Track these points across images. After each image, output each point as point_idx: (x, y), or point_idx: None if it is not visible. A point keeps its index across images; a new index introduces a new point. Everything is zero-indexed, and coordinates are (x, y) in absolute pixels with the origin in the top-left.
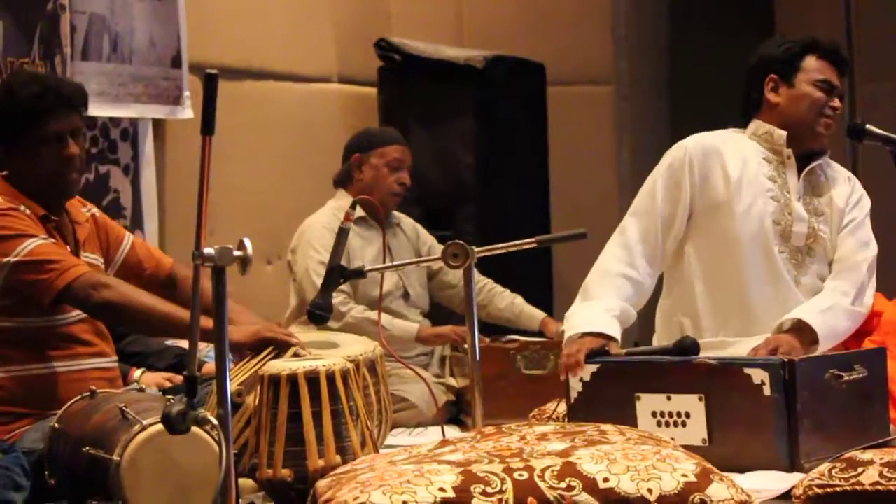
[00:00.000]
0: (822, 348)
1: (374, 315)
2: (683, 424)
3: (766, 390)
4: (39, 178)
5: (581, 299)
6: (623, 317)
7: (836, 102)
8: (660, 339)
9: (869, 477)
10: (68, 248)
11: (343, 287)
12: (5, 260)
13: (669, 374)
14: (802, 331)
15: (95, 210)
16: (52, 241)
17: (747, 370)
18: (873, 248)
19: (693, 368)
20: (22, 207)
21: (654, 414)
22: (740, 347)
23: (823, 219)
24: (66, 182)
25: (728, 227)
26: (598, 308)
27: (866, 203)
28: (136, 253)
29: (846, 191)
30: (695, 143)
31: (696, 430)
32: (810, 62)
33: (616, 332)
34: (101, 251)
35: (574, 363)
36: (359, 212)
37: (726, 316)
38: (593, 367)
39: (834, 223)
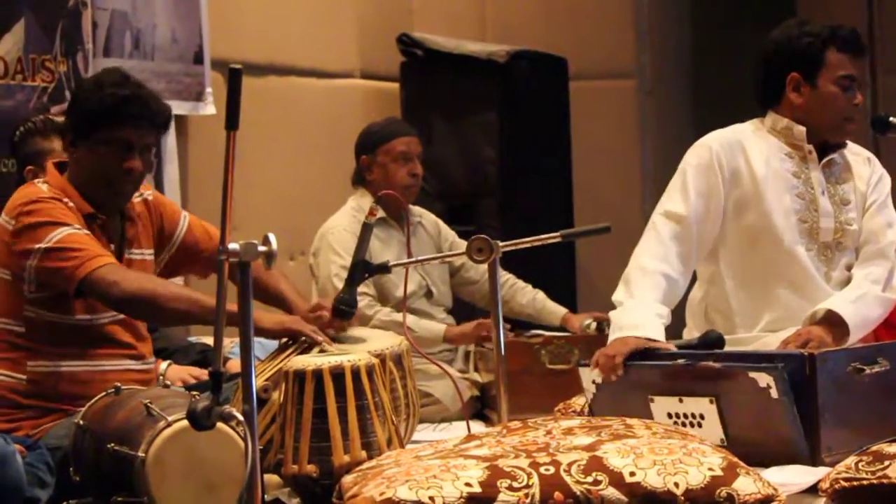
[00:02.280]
0: (854, 338)
1: (400, 317)
2: (700, 425)
3: (774, 393)
4: (93, 178)
5: (625, 293)
6: (666, 321)
7: (859, 98)
8: (690, 333)
9: None
10: (111, 248)
11: (368, 290)
12: (36, 247)
13: (678, 376)
14: (833, 322)
15: (149, 194)
16: (84, 231)
17: (752, 374)
18: None
19: (699, 371)
20: (65, 200)
21: (669, 415)
22: (773, 340)
23: (851, 206)
24: (118, 193)
25: (756, 223)
26: (649, 310)
27: (887, 182)
28: (193, 234)
29: (867, 173)
30: (719, 141)
31: (713, 430)
32: (832, 57)
33: (662, 337)
34: (154, 240)
35: (615, 365)
36: (380, 212)
37: (758, 311)
38: None
39: (860, 208)
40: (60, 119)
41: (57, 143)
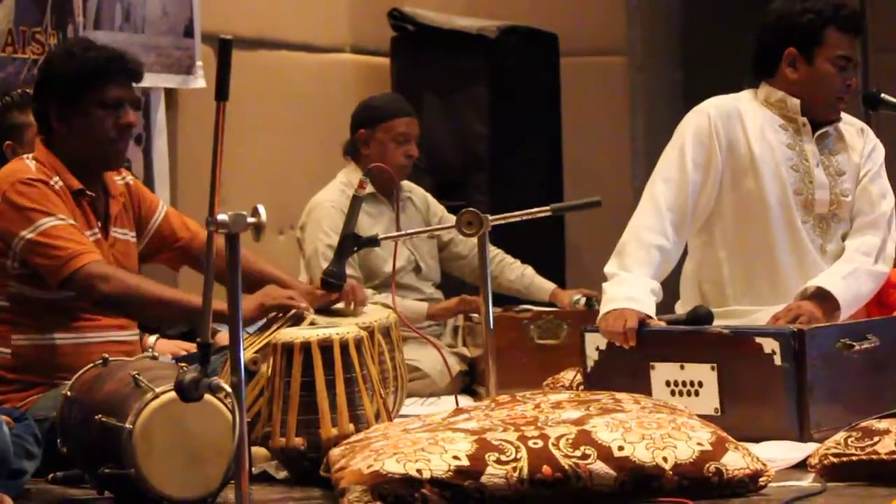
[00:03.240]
0: (846, 314)
1: (381, 297)
2: (696, 394)
3: (777, 360)
4: (91, 144)
5: (618, 265)
6: (658, 297)
7: (853, 80)
8: (684, 306)
9: (885, 446)
10: (98, 225)
11: (354, 272)
12: (21, 233)
13: (684, 343)
14: (824, 298)
15: (130, 178)
16: (70, 222)
17: (758, 339)
18: (890, 200)
19: (706, 338)
20: (54, 180)
21: (667, 383)
22: (763, 315)
23: (845, 177)
24: (117, 150)
25: (752, 192)
26: (643, 286)
27: (880, 152)
28: (169, 223)
29: (860, 143)
30: (715, 108)
31: (709, 400)
32: (831, 36)
33: (653, 312)
34: (133, 222)
35: (629, 335)
36: (369, 186)
37: (751, 283)
38: None
39: (854, 178)
40: None
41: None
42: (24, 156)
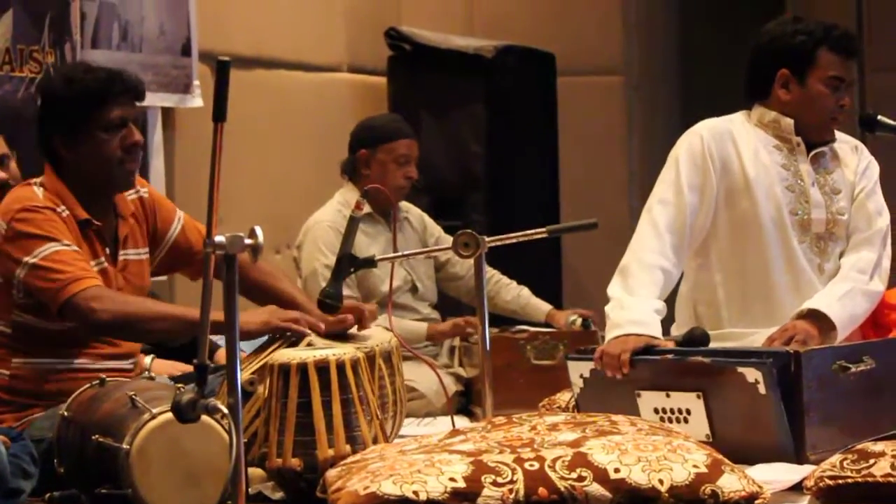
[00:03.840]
0: (842, 335)
1: (380, 321)
2: (686, 420)
3: (761, 389)
4: (99, 168)
5: (622, 287)
6: (663, 316)
7: (846, 100)
8: (679, 328)
9: (881, 468)
10: (105, 252)
11: (352, 293)
12: (24, 259)
13: (666, 371)
14: (820, 318)
15: (144, 190)
16: (74, 248)
17: (740, 369)
18: (886, 217)
19: (689, 366)
20: (61, 208)
21: (656, 410)
22: (759, 337)
23: (841, 196)
24: (126, 171)
25: (747, 213)
26: (648, 308)
27: (874, 169)
28: (186, 235)
29: (854, 161)
30: (708, 129)
31: (699, 426)
32: (823, 57)
33: (659, 332)
34: (147, 237)
35: (621, 363)
36: (366, 207)
37: (747, 305)
38: (591, 364)
39: (850, 196)
40: None
41: None
42: (32, 182)
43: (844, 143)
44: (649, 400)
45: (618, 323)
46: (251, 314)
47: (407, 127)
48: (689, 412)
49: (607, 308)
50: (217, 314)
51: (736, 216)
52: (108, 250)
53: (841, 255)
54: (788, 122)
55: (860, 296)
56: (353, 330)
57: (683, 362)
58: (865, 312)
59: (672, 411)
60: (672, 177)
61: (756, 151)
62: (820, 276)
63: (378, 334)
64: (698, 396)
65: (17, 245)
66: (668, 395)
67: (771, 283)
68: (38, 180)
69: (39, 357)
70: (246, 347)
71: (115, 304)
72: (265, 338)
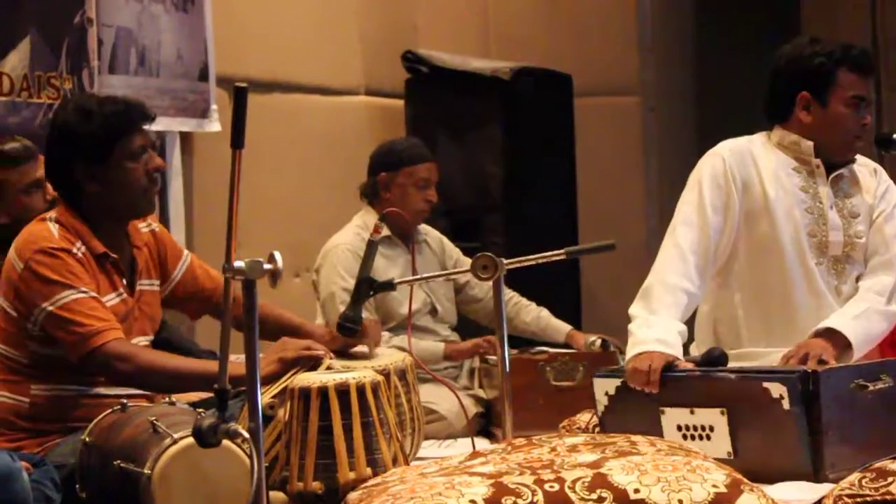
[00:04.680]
0: (858, 354)
1: (397, 341)
2: (708, 437)
3: (785, 404)
4: (126, 197)
5: (644, 308)
6: (685, 339)
7: (867, 119)
8: (699, 347)
9: None
10: (122, 284)
11: (369, 313)
12: (42, 305)
13: (691, 388)
14: (835, 336)
15: (155, 225)
16: (91, 294)
17: (766, 384)
18: None
19: (714, 383)
20: (77, 246)
21: (678, 427)
22: (778, 357)
23: (859, 219)
24: (150, 197)
25: (767, 234)
26: (671, 328)
27: (893, 192)
28: (193, 273)
29: (873, 185)
30: (729, 150)
31: (721, 443)
32: (843, 77)
33: (681, 354)
34: (157, 270)
35: (651, 380)
36: (385, 230)
37: (766, 325)
38: (617, 382)
39: (868, 220)
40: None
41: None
42: (47, 217)
43: (864, 166)
44: (673, 417)
45: (642, 340)
46: (264, 361)
47: (427, 151)
48: (711, 429)
49: (630, 326)
50: (236, 367)
51: (756, 237)
52: (125, 281)
53: (858, 279)
54: (808, 145)
55: (876, 315)
56: (365, 349)
57: (709, 378)
58: (882, 332)
59: (695, 428)
60: (695, 198)
61: (776, 173)
62: (837, 298)
63: (391, 354)
64: (722, 413)
65: (34, 289)
66: (692, 412)
67: (791, 303)
68: (52, 215)
69: (59, 384)
70: None
71: (138, 359)
72: None
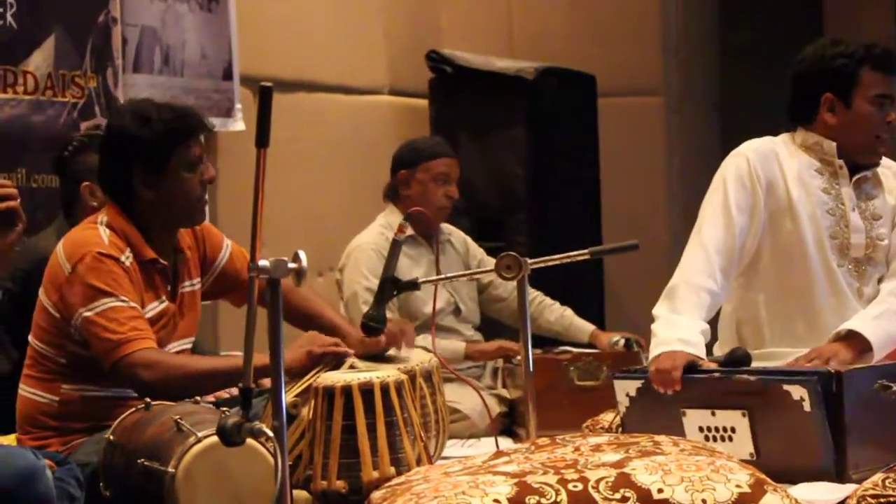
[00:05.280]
0: (879, 355)
1: (421, 339)
2: (730, 439)
3: (806, 406)
4: (180, 206)
5: (668, 308)
6: (708, 339)
7: (892, 116)
8: (722, 347)
9: None
10: (167, 290)
11: (391, 314)
12: (81, 309)
13: (712, 390)
14: (854, 338)
15: None
16: (131, 304)
17: (786, 387)
18: None
19: (734, 385)
20: (126, 254)
21: (700, 429)
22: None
23: (882, 222)
24: (202, 207)
25: (791, 233)
26: (694, 328)
27: None
28: (233, 263)
29: (895, 186)
30: (754, 151)
31: (743, 445)
32: (867, 76)
33: (704, 353)
34: (199, 266)
35: (673, 379)
36: (409, 229)
37: (789, 325)
38: (637, 383)
39: (891, 222)
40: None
41: None
42: (98, 220)
43: (887, 168)
44: (694, 418)
45: (665, 340)
46: (292, 350)
47: (446, 146)
48: (733, 430)
49: (654, 325)
50: (260, 357)
51: (780, 237)
52: (169, 287)
53: (880, 280)
54: (831, 146)
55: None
56: (392, 351)
57: (730, 380)
58: None
59: (717, 429)
60: (720, 199)
61: (799, 173)
62: (859, 299)
63: (417, 354)
64: (743, 415)
65: (79, 292)
66: (713, 414)
67: (813, 303)
68: (102, 218)
69: (89, 384)
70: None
71: (163, 366)
72: None
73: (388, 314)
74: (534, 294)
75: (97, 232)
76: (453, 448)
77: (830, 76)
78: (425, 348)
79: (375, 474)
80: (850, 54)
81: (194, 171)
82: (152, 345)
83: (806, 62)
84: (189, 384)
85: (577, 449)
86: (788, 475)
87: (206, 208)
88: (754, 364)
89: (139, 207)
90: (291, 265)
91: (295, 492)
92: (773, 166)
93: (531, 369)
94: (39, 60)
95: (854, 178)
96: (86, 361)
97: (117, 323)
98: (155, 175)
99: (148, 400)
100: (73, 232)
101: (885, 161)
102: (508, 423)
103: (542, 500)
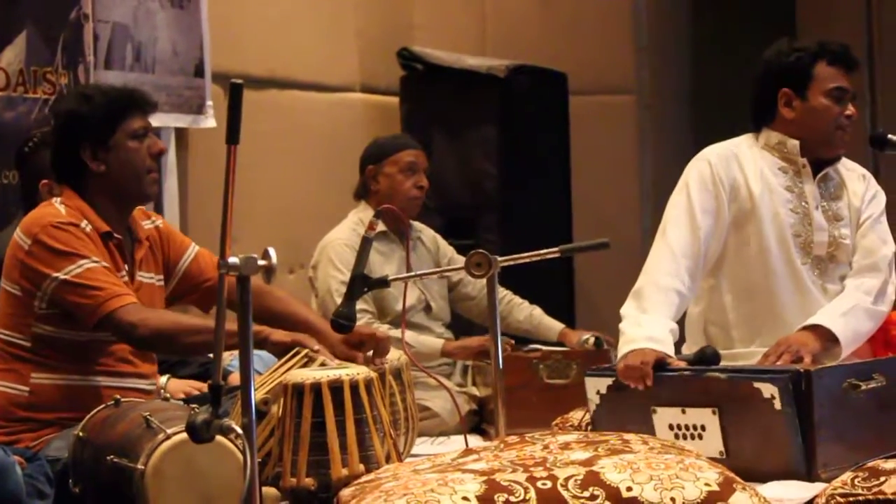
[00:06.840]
0: (846, 352)
1: (398, 332)
2: (700, 437)
3: (777, 404)
4: (130, 176)
5: (636, 307)
6: (676, 338)
7: (851, 109)
8: (690, 348)
9: (891, 486)
10: (125, 268)
11: (368, 307)
12: (54, 275)
13: (683, 387)
14: (821, 331)
15: (160, 221)
16: (104, 264)
17: (756, 384)
18: (891, 246)
19: (705, 382)
20: (84, 223)
21: (670, 427)
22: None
23: (844, 223)
24: (153, 180)
25: (754, 234)
26: (663, 326)
27: (881, 199)
28: (198, 264)
29: (861, 189)
30: (716, 155)
31: (713, 443)
32: (822, 70)
33: (672, 352)
34: (160, 266)
35: (644, 374)
36: (380, 226)
37: (756, 326)
38: (609, 381)
39: (853, 224)
40: None
41: None
42: (53, 200)
43: (852, 170)
44: (664, 416)
45: (633, 338)
46: (279, 333)
47: (411, 139)
48: (703, 428)
49: (622, 324)
50: (233, 325)
51: (743, 238)
52: (126, 267)
53: (842, 279)
54: (794, 144)
55: (863, 313)
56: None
57: (700, 378)
58: (869, 331)
59: (687, 427)
60: (684, 201)
61: (761, 172)
62: (824, 295)
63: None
64: (713, 412)
65: (44, 260)
66: (683, 412)
67: (779, 303)
68: (57, 199)
69: (59, 372)
70: (258, 368)
71: (156, 321)
72: (275, 360)
73: (362, 306)
74: (503, 293)
75: (54, 207)
76: (423, 446)
77: (786, 71)
78: (400, 345)
79: (345, 472)
80: (805, 49)
81: (141, 141)
82: (136, 300)
83: (764, 62)
84: (181, 337)
85: (546, 447)
86: (758, 474)
87: (176, 205)
88: (723, 364)
89: (91, 184)
90: (261, 262)
91: (264, 489)
92: (735, 169)
93: (501, 367)
94: (11, 56)
95: (818, 176)
96: (52, 343)
97: (98, 281)
98: (103, 147)
99: (118, 397)
100: (28, 214)
101: (850, 164)
102: (478, 421)
103: (511, 498)
